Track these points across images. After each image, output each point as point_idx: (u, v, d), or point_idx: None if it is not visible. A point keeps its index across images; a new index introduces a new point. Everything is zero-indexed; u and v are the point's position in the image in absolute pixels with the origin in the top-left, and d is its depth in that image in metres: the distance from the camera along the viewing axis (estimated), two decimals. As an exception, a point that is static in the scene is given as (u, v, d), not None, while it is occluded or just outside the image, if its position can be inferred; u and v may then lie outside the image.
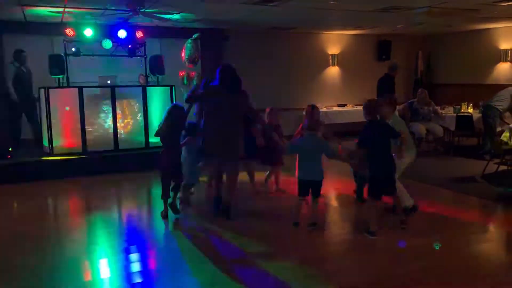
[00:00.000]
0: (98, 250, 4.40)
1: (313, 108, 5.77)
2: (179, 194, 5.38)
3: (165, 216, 5.15)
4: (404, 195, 4.98)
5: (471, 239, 4.51)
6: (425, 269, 3.78)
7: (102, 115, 8.16)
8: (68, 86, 7.89)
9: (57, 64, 7.70)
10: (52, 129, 7.62)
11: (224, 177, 5.24)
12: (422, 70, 12.38)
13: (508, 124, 7.65)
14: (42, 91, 7.68)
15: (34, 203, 6.05)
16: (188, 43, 8.56)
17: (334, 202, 5.99)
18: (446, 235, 4.55)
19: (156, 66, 8.51)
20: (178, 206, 5.26)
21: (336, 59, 11.85)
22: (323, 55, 11.79)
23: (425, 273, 3.69)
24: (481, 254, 4.19)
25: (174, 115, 5.03)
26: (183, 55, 8.62)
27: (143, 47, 8.48)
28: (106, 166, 7.61)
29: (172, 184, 5.16)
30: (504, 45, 10.63)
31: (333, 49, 11.87)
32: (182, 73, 8.51)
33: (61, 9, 7.33)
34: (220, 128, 4.89)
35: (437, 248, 4.13)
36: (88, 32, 7.82)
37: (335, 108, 11.30)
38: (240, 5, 7.21)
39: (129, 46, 8.32)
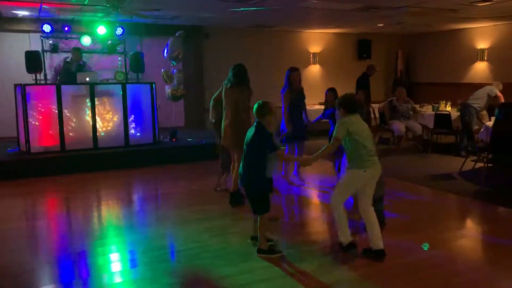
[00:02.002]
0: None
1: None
2: None
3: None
4: (340, 229, 4.02)
5: (449, 236, 4.58)
6: (404, 266, 3.82)
7: (81, 113, 8.02)
8: (46, 84, 7.74)
9: (34, 61, 7.55)
10: (29, 127, 7.46)
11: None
12: (402, 69, 12.55)
13: (484, 123, 7.80)
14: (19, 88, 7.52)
15: (7, 203, 5.93)
16: (171, 41, 8.51)
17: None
18: (424, 232, 4.62)
19: (136, 63, 8.41)
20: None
21: (317, 58, 11.91)
22: (305, 53, 11.85)
23: (403, 270, 3.74)
24: (459, 251, 4.26)
25: None
26: (165, 52, 8.57)
27: (122, 44, 8.39)
28: (85, 165, 7.50)
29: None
30: (480, 45, 10.85)
31: (315, 48, 11.92)
32: (163, 71, 8.47)
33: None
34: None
35: (425, 249, 4.10)
36: (66, 29, 7.71)
37: (317, 106, 11.34)
38: (220, 2, 7.18)
39: (109, 42, 8.23)
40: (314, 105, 11.41)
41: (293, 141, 6.25)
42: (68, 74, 7.89)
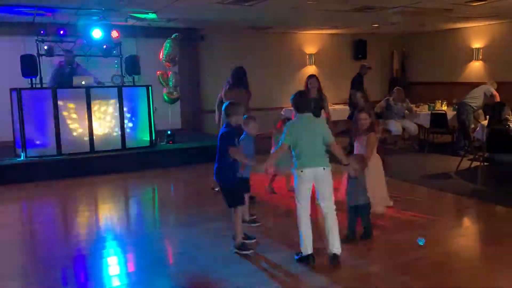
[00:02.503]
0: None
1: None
2: None
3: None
4: (300, 238, 3.85)
5: (446, 235, 4.60)
6: (401, 265, 3.83)
7: (77, 116, 8.00)
8: (42, 88, 7.72)
9: (30, 64, 7.53)
10: (25, 132, 7.44)
11: None
12: (397, 69, 12.58)
13: (480, 122, 7.83)
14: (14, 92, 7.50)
15: (4, 207, 5.91)
16: (167, 43, 8.51)
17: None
18: (421, 231, 4.63)
19: (132, 66, 8.39)
20: None
21: (313, 58, 11.93)
22: (301, 55, 11.86)
23: (401, 269, 3.75)
24: (456, 249, 4.27)
25: None
26: (161, 54, 8.56)
27: (118, 47, 8.37)
28: (81, 169, 7.48)
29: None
30: (476, 44, 10.88)
31: (310, 49, 11.94)
32: (158, 73, 8.46)
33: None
34: None
35: (421, 243, 4.14)
36: (62, 32, 7.68)
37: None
38: (216, 4, 7.18)
39: (104, 46, 8.20)
40: (311, 106, 11.42)
41: None
42: (62, 77, 7.86)
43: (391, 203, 5.21)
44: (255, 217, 4.93)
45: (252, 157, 4.53)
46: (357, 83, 9.55)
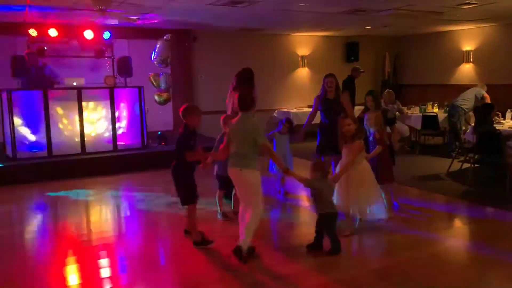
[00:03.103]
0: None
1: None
2: None
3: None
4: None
5: (437, 236, 4.62)
6: (391, 267, 3.85)
7: (68, 117, 7.95)
8: (33, 88, 7.67)
9: (20, 66, 7.47)
10: (15, 133, 7.39)
11: None
12: (389, 71, 12.64)
13: (471, 124, 7.89)
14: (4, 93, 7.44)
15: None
16: (160, 44, 8.49)
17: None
18: (411, 233, 4.66)
19: (124, 67, 8.36)
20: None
21: (305, 60, 11.96)
22: (293, 56, 11.88)
23: (390, 271, 3.77)
24: (447, 250, 4.30)
25: None
26: (153, 56, 8.54)
27: (110, 48, 8.34)
28: (72, 170, 7.43)
29: None
30: (466, 47, 10.97)
31: (303, 51, 11.97)
32: (151, 75, 8.43)
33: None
34: None
35: None
36: (53, 33, 7.64)
37: (305, 109, 11.38)
38: (208, 5, 7.18)
39: (97, 46, 8.17)
40: (303, 108, 11.46)
41: (324, 152, 5.71)
42: (38, 78, 7.77)
43: (387, 215, 4.75)
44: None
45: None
46: (348, 85, 9.57)
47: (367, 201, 4.48)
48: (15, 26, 8.18)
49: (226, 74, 10.77)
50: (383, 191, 4.83)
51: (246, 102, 3.94)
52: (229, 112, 5.35)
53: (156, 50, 8.48)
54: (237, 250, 3.82)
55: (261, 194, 3.98)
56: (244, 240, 3.84)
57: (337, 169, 4.51)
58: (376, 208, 4.59)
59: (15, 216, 5.88)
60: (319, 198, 4.09)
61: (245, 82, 5.64)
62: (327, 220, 4.08)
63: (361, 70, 10.10)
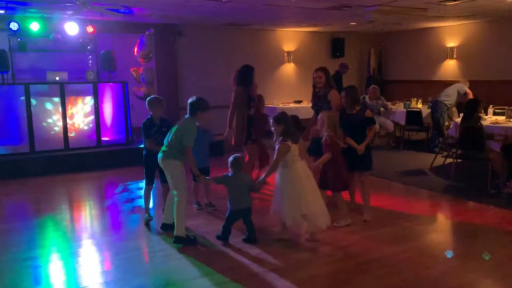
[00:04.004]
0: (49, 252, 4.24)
1: None
2: None
3: None
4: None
5: (420, 230, 4.68)
6: (375, 260, 3.88)
7: (51, 112, 7.84)
8: (14, 83, 7.53)
9: (1, 60, 7.32)
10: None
11: None
12: (374, 67, 12.72)
13: (454, 120, 7.99)
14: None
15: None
16: (142, 39, 8.41)
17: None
18: (395, 227, 4.71)
19: (108, 62, 8.25)
20: None
21: (292, 56, 11.96)
22: (279, 52, 11.87)
23: (374, 265, 3.80)
24: (430, 244, 4.35)
25: None
26: (135, 50, 8.46)
27: (94, 42, 8.23)
28: (55, 166, 7.33)
29: None
30: (450, 43, 11.08)
31: (289, 46, 11.97)
32: (133, 69, 8.35)
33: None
34: None
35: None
36: (35, 26, 7.51)
37: (292, 105, 11.40)
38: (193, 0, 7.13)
39: (80, 40, 8.05)
40: (289, 103, 11.47)
41: (311, 152, 5.21)
42: None
43: (323, 226, 4.23)
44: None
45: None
46: (335, 82, 9.54)
47: (300, 210, 4.09)
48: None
49: (211, 69, 10.79)
50: (337, 199, 4.65)
51: (194, 108, 4.25)
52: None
53: (138, 45, 8.39)
54: (177, 239, 4.23)
55: (185, 184, 4.29)
56: (177, 229, 4.24)
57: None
58: (315, 217, 4.16)
59: (-4, 213, 5.79)
60: (229, 193, 4.27)
61: (239, 81, 5.80)
62: (231, 214, 4.27)
63: (348, 66, 10.12)
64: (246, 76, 5.87)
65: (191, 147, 4.20)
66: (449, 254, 4.04)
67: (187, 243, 4.23)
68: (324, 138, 4.51)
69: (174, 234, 4.26)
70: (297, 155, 4.17)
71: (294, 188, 4.09)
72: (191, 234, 4.40)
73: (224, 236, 4.29)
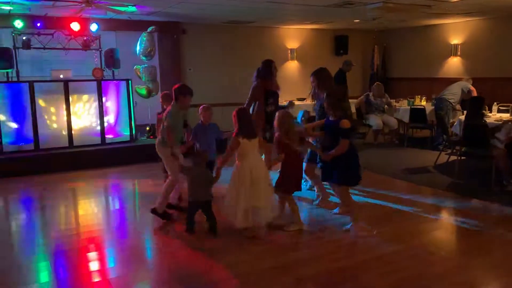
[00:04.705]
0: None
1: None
2: None
3: None
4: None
5: (424, 227, 4.68)
6: (379, 258, 3.89)
7: (55, 110, 7.87)
8: (18, 81, 7.56)
9: (5, 57, 7.35)
10: (1, 126, 7.30)
11: None
12: (378, 64, 12.69)
13: (458, 117, 7.96)
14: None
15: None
16: (143, 37, 8.42)
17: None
18: (399, 225, 4.71)
19: (112, 60, 8.27)
20: None
21: (295, 54, 11.94)
22: (282, 49, 11.86)
23: (378, 262, 3.81)
24: (433, 242, 4.35)
25: None
26: (137, 48, 8.47)
27: (97, 40, 8.24)
28: (60, 164, 7.37)
29: None
30: (454, 40, 11.04)
31: (292, 44, 11.95)
32: (135, 67, 8.37)
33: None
34: None
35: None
36: (39, 24, 7.53)
37: (295, 102, 11.38)
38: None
39: (85, 38, 8.07)
40: (293, 100, 11.44)
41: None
42: None
43: (263, 222, 4.33)
44: None
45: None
46: (339, 79, 9.54)
47: (245, 203, 4.15)
48: (0, 18, 8.05)
49: (215, 66, 10.79)
50: (288, 202, 4.59)
51: (176, 93, 4.67)
52: None
53: (140, 43, 8.41)
54: (153, 211, 4.77)
55: (177, 168, 4.68)
56: (158, 204, 4.76)
57: None
58: (259, 212, 4.21)
59: (1, 210, 5.82)
60: (190, 185, 4.42)
61: (259, 75, 5.82)
62: (190, 205, 4.46)
63: (352, 64, 10.09)
64: (263, 69, 5.77)
65: (171, 128, 4.56)
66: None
67: (161, 217, 4.76)
68: (274, 137, 4.52)
69: (153, 206, 4.77)
70: (253, 150, 4.26)
71: (243, 182, 4.16)
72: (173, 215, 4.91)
73: (188, 228, 4.46)
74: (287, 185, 4.48)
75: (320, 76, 5.01)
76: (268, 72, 5.74)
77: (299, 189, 4.56)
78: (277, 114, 4.46)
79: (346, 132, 4.23)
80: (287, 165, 4.43)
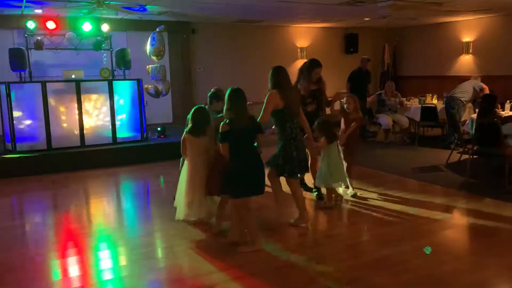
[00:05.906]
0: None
1: None
2: None
3: None
4: None
5: (435, 227, 4.65)
6: (390, 257, 3.88)
7: (67, 110, 7.95)
8: (31, 81, 7.66)
9: (18, 58, 7.45)
10: (15, 126, 7.40)
11: None
12: (389, 62, 12.62)
13: (470, 116, 7.88)
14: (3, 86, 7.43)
15: (-3, 202, 5.88)
16: (153, 36, 8.46)
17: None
18: (410, 224, 4.68)
19: (123, 60, 8.33)
20: None
21: (305, 52, 11.93)
22: (292, 48, 11.86)
23: (388, 261, 3.79)
24: (444, 241, 4.32)
25: None
26: (147, 48, 8.52)
27: (108, 40, 8.31)
28: (71, 163, 7.44)
29: None
30: (465, 38, 10.94)
31: (302, 42, 11.94)
32: (148, 66, 8.41)
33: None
34: None
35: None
36: (51, 25, 7.61)
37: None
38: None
39: (98, 38, 8.14)
40: (302, 99, 11.43)
41: None
42: None
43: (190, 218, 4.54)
44: None
45: None
46: (355, 78, 9.53)
47: (186, 197, 4.43)
48: (13, 19, 8.15)
49: (225, 66, 10.82)
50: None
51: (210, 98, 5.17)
52: None
53: (150, 42, 8.45)
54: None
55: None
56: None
57: None
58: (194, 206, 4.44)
59: (15, 208, 5.90)
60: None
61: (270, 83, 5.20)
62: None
63: (367, 58, 10.04)
64: (304, 69, 5.73)
65: (207, 130, 4.51)
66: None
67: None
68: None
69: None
70: (200, 148, 4.46)
71: (187, 177, 4.46)
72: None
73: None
74: (209, 185, 4.38)
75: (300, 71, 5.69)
76: (284, 83, 5.13)
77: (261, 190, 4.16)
78: None
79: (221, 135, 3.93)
80: (213, 166, 4.36)
